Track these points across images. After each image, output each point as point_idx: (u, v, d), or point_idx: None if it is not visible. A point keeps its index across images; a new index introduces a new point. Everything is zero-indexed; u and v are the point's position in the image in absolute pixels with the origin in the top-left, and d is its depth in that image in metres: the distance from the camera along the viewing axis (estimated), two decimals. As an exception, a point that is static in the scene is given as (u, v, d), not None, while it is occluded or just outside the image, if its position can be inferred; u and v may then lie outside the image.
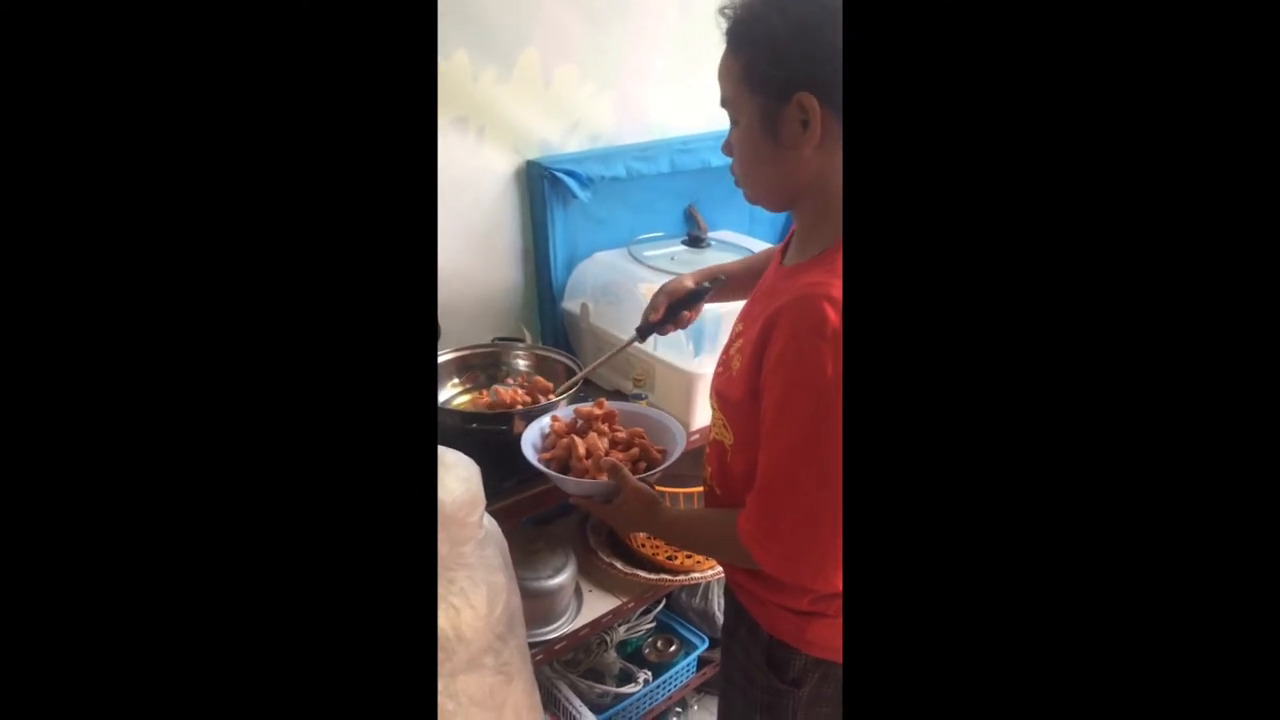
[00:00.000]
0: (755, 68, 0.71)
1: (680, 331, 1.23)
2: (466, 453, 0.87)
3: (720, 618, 1.59)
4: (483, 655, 0.77)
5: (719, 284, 1.04)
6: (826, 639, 0.84)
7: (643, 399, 1.25)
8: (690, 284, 1.03)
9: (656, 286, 1.29)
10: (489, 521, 0.85)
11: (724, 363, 0.85)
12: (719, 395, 0.85)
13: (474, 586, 0.76)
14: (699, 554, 1.38)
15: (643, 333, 1.05)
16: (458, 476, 0.77)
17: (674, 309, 1.03)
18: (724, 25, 0.74)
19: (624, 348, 1.10)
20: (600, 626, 1.36)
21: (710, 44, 0.76)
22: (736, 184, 0.81)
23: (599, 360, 1.16)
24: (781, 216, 1.70)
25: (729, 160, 1.53)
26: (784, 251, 0.85)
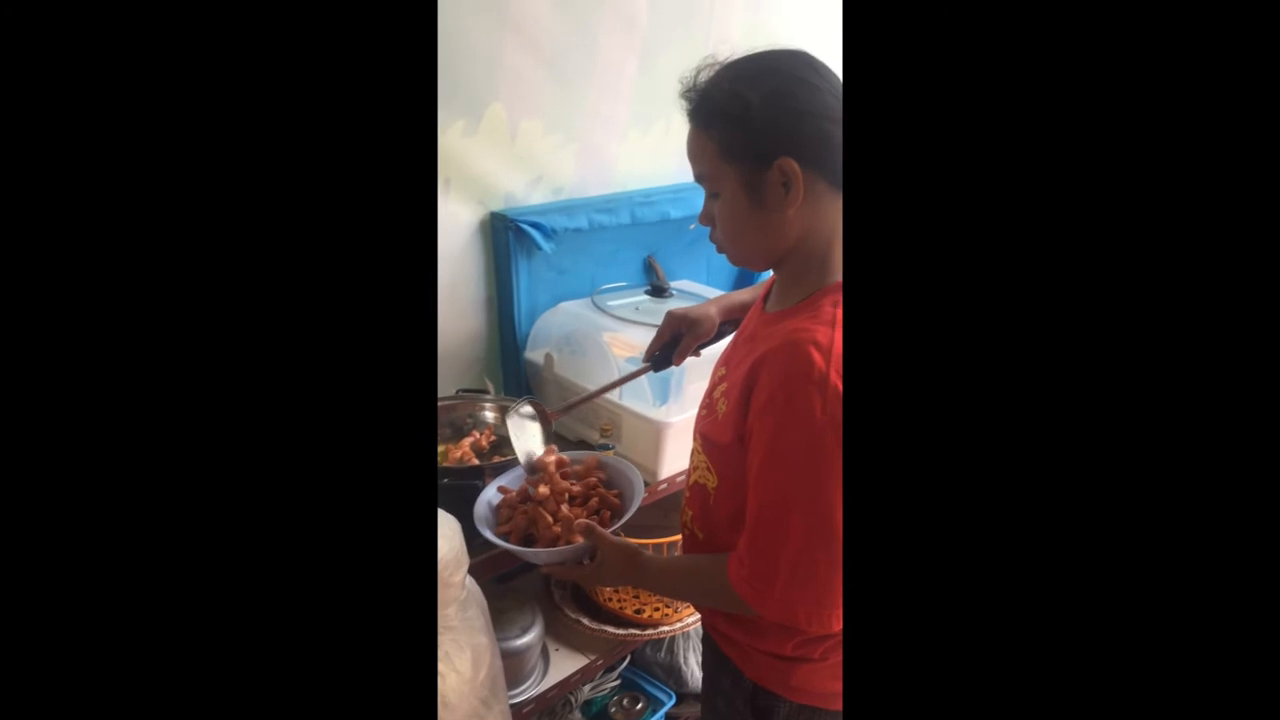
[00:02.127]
0: (732, 141, 0.73)
1: (644, 380, 1.23)
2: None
3: (687, 671, 1.57)
4: (468, 723, 0.74)
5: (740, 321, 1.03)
6: (812, 684, 0.84)
7: (610, 449, 1.24)
8: (718, 321, 1.01)
9: (621, 336, 1.30)
10: (470, 581, 0.82)
11: (708, 406, 0.85)
12: (704, 438, 0.85)
13: (458, 650, 0.73)
14: (686, 603, 1.36)
15: (658, 365, 1.02)
16: (441, 535, 0.75)
17: (701, 348, 1.02)
18: (686, 107, 0.76)
19: (638, 374, 1.05)
20: (568, 686, 1.32)
21: (669, 100, 0.78)
22: (719, 250, 0.82)
23: (605, 386, 1.09)
24: (736, 271, 1.74)
25: (688, 213, 1.57)
26: (765, 298, 0.87)
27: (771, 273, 0.85)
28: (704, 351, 1.08)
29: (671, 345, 1.01)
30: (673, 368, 1.03)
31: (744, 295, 1.07)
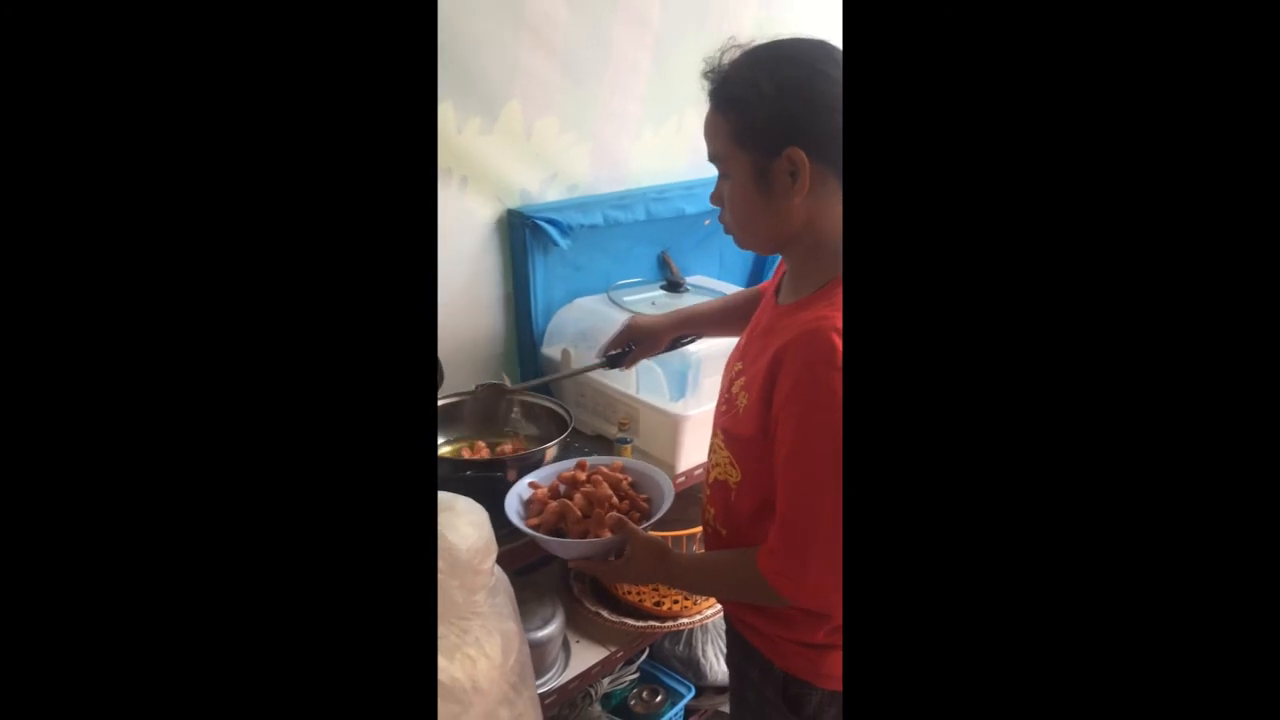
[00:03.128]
0: (745, 126, 0.74)
1: (661, 374, 1.25)
2: (463, 501, 0.85)
3: (706, 664, 1.58)
4: (498, 707, 0.75)
5: (694, 339, 1.12)
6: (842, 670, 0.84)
7: (628, 444, 1.25)
8: (666, 339, 1.10)
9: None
10: (498, 569, 0.83)
11: (727, 401, 0.86)
12: (726, 433, 0.86)
13: (488, 635, 0.74)
14: (716, 598, 1.36)
15: (612, 362, 1.11)
16: (470, 522, 0.76)
17: (648, 356, 1.11)
18: (708, 87, 0.78)
19: (593, 367, 1.14)
20: (589, 679, 1.33)
21: (681, 97, 0.80)
22: (727, 231, 0.84)
23: (567, 373, 1.23)
24: (750, 263, 1.75)
25: (701, 209, 1.59)
26: (777, 291, 0.88)
27: (740, 291, 0.88)
28: (705, 353, 1.18)
29: (625, 351, 1.09)
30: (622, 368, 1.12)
31: (701, 309, 1.13)
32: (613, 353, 1.09)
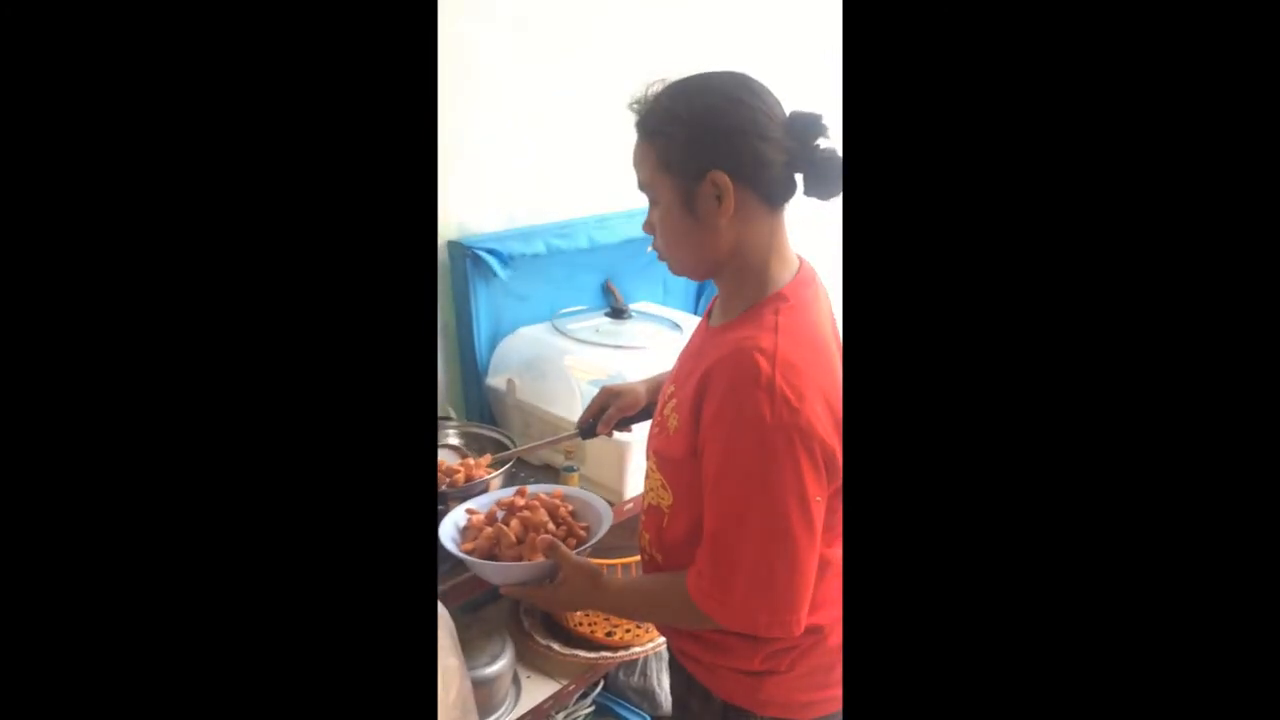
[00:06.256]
0: (669, 153, 0.77)
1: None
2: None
3: (661, 694, 1.56)
4: (439, 746, 0.73)
5: None
6: (782, 696, 0.84)
7: (574, 471, 1.24)
8: (645, 399, 1.05)
9: (582, 359, 1.31)
10: (438, 605, 0.82)
11: (659, 423, 0.87)
12: (658, 455, 0.86)
13: (427, 673, 0.73)
14: (648, 623, 1.35)
15: (586, 433, 1.07)
16: (407, 556, 0.74)
17: (624, 422, 1.06)
18: (633, 119, 0.80)
19: (565, 439, 1.12)
20: (541, 714, 1.31)
21: (620, 125, 0.82)
22: (660, 258, 0.85)
23: (535, 444, 1.17)
24: (693, 289, 1.77)
25: (645, 235, 1.61)
26: (709, 314, 0.89)
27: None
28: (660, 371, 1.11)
29: (600, 415, 1.05)
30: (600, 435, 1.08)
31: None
32: (589, 422, 1.05)
